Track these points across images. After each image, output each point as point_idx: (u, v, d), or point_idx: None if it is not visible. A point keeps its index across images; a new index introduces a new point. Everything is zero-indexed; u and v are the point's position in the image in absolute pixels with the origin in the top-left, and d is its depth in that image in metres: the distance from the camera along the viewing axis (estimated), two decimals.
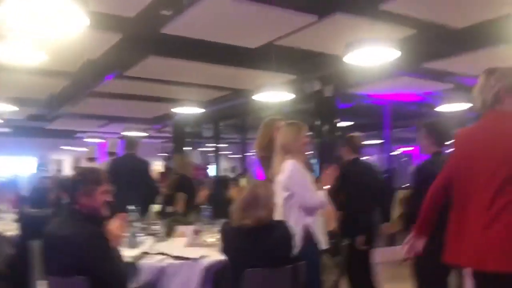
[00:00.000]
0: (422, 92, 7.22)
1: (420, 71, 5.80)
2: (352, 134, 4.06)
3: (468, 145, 2.06)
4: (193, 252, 2.85)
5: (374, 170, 4.24)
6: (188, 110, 7.31)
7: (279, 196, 2.72)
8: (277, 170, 2.86)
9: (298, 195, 2.72)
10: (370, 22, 4.02)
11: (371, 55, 4.09)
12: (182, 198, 4.41)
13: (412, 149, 12.76)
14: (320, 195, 2.77)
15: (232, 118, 9.80)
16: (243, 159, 10.49)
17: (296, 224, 2.66)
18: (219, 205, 3.91)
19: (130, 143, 5.36)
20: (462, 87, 6.66)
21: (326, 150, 6.45)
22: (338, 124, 6.87)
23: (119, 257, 2.31)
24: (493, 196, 1.88)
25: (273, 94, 5.79)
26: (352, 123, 9.08)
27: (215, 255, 2.75)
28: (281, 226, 2.31)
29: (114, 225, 2.38)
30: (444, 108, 7.40)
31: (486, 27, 4.12)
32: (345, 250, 3.04)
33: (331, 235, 3.70)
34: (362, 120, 9.43)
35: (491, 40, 4.56)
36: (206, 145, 13.07)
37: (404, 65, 5.26)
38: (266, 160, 3.23)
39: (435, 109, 7.82)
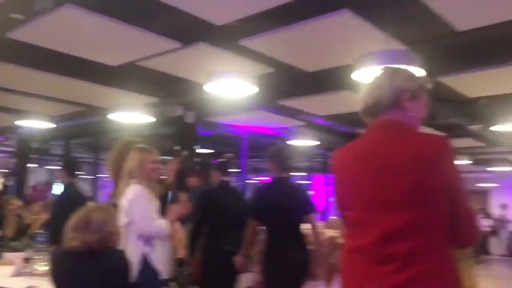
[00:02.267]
0: (278, 126, 7.68)
1: (276, 107, 6.17)
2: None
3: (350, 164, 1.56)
4: (20, 283, 2.56)
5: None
6: (35, 123, 6.70)
7: (120, 222, 2.61)
8: (121, 194, 2.74)
9: (137, 223, 2.62)
10: (231, 55, 4.18)
11: (230, 86, 4.24)
12: (12, 221, 3.96)
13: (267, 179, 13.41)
14: (161, 225, 2.69)
15: (85, 136, 9.24)
16: (94, 181, 9.91)
17: (134, 252, 2.56)
18: (60, 230, 3.59)
19: None
20: (312, 124, 7.25)
21: (182, 177, 6.42)
22: (198, 151, 6.94)
23: None
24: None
25: (132, 115, 5.63)
26: (211, 151, 9.23)
27: (45, 286, 2.50)
28: (116, 254, 2.19)
29: None
30: (296, 142, 7.97)
31: (333, 73, 4.56)
32: (188, 279, 2.99)
33: (180, 263, 3.64)
34: (221, 148, 9.65)
35: (337, 85, 5.07)
36: (55, 163, 12.08)
37: (261, 100, 5.56)
38: (116, 183, 3.08)
39: (288, 143, 8.38)
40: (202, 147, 7.59)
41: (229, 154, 3.97)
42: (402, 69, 1.61)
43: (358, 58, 3.01)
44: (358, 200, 1.46)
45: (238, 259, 3.46)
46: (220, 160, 3.85)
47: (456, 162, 1.44)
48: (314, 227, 3.40)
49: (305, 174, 12.28)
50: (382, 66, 1.68)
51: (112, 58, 4.52)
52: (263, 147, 9.86)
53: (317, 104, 5.87)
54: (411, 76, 1.58)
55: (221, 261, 3.54)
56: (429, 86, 1.62)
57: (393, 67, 1.65)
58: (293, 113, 6.51)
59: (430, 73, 4.62)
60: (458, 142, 8.63)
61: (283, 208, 3.32)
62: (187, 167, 6.51)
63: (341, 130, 7.56)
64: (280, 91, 5.55)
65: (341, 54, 3.98)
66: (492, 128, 6.40)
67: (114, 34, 3.83)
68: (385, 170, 1.42)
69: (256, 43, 3.91)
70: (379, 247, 1.38)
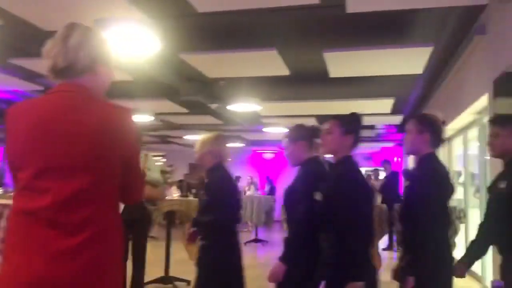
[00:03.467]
0: (11, 89, 6.78)
1: (7, 67, 5.42)
2: None
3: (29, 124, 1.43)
4: None
5: None
6: None
7: None
8: None
9: None
10: None
11: None
12: None
13: None
14: None
15: None
16: None
17: None
18: None
19: None
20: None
21: None
22: None
23: None
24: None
25: None
26: None
27: None
28: None
29: None
30: None
31: None
32: None
33: None
34: None
35: None
36: None
37: None
38: None
39: None
40: None
41: None
42: (93, 29, 1.51)
43: (95, 22, 2.86)
44: (33, 163, 1.40)
45: None
46: None
47: (134, 131, 1.50)
48: None
49: None
50: (69, 23, 1.49)
51: None
52: None
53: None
54: (103, 38, 1.53)
55: None
56: (112, 52, 1.61)
57: (82, 25, 1.49)
58: (30, 76, 5.84)
59: (172, 50, 4.80)
60: (201, 119, 9.30)
61: None
62: None
63: None
64: (10, 49, 4.88)
65: (80, 16, 3.71)
66: (228, 108, 7.11)
67: None
68: (65, 136, 1.38)
69: None
70: (50, 212, 1.36)
